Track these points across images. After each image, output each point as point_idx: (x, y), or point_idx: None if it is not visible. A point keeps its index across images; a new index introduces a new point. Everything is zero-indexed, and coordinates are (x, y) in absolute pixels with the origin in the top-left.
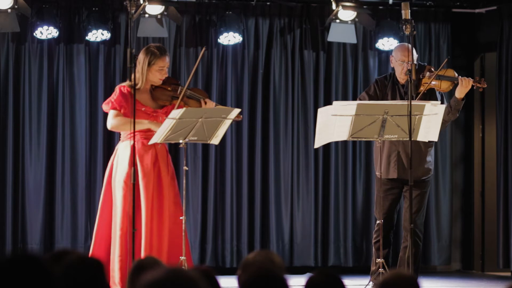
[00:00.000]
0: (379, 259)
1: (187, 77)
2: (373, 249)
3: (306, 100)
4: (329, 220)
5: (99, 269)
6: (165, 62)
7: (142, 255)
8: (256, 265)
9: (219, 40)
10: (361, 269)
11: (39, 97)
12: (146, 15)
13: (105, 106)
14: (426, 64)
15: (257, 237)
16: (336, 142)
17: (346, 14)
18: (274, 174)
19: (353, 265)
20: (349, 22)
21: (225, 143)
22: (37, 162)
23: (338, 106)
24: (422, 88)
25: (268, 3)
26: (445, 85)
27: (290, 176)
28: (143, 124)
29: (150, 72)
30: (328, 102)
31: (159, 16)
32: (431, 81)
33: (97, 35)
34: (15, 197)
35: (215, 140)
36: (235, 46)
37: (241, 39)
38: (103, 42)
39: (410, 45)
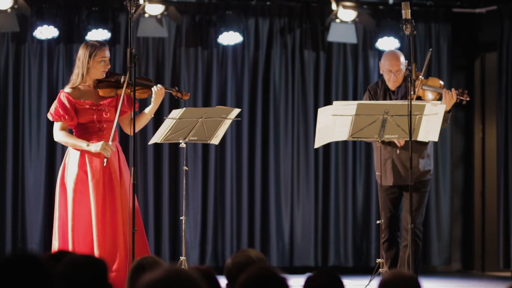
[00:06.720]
0: (379, 259)
1: (188, 78)
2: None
3: (306, 100)
4: (329, 220)
5: (100, 269)
6: (106, 53)
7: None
8: (242, 266)
9: (219, 40)
10: (361, 269)
11: (39, 97)
12: (146, 15)
13: (49, 116)
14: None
15: (257, 237)
16: (336, 142)
17: (346, 14)
18: (274, 174)
19: (353, 265)
20: (349, 22)
21: (225, 143)
22: (37, 162)
23: (338, 106)
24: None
25: (268, 3)
26: (431, 96)
27: (290, 176)
28: (82, 146)
29: (92, 65)
30: (328, 102)
31: (159, 16)
32: (418, 90)
33: (97, 35)
34: (15, 197)
35: (215, 140)
36: (235, 46)
37: (241, 39)
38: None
39: (398, 52)
